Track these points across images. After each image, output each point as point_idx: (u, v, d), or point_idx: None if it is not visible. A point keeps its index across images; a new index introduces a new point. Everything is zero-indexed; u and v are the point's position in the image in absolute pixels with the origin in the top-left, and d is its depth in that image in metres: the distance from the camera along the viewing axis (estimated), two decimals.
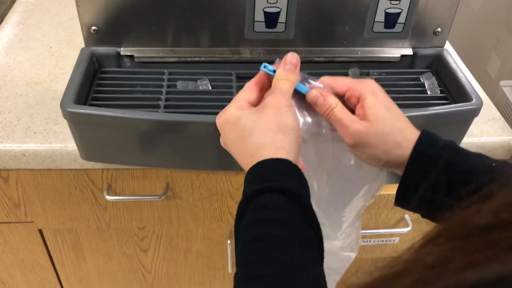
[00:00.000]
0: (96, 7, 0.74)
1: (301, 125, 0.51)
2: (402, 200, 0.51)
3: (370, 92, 0.51)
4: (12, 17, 1.05)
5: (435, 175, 0.47)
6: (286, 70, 0.51)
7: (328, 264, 0.49)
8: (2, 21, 1.05)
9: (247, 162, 0.48)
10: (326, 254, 0.46)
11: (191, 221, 0.92)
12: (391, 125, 0.49)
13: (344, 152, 0.52)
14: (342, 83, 0.53)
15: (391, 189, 0.80)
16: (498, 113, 0.87)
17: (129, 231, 0.95)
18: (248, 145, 0.48)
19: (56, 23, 1.04)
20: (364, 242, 0.88)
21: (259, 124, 0.48)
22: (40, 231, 0.93)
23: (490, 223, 0.25)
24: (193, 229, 0.95)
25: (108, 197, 0.83)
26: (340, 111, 0.50)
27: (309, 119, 0.52)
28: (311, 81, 0.53)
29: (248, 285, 0.39)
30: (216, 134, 0.71)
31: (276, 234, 0.42)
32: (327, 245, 0.46)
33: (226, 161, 0.76)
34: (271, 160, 0.45)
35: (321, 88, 0.52)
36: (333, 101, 0.51)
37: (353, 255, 0.60)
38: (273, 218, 0.42)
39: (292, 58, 0.52)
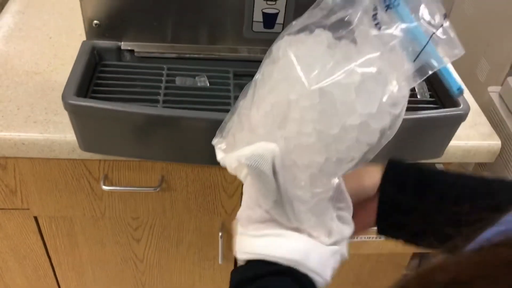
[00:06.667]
0: (98, 2, 0.75)
1: None
2: (383, 228, 0.50)
3: None
4: (12, 6, 1.06)
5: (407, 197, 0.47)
6: None
7: None
8: (2, 9, 1.06)
9: None
10: None
11: (184, 213, 0.94)
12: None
13: None
14: None
15: None
16: (484, 117, 0.90)
17: (123, 221, 0.97)
18: None
19: (56, 13, 1.06)
20: (350, 238, 0.91)
21: None
22: (36, 218, 0.95)
23: (449, 281, 0.24)
24: (186, 220, 0.97)
25: (105, 187, 0.85)
26: None
27: None
28: None
29: None
30: (211, 129, 0.74)
31: None
32: None
33: None
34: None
35: None
36: None
37: None
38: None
39: None
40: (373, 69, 0.40)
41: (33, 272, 1.08)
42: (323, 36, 0.44)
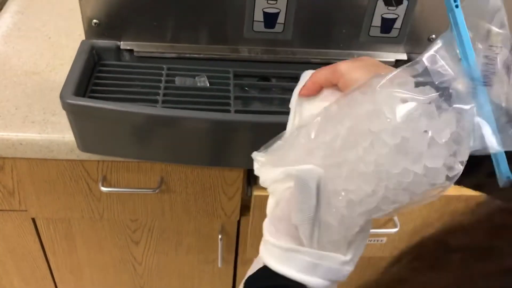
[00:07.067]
0: (97, 1, 0.74)
1: None
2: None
3: None
4: (12, 6, 1.06)
5: None
6: None
7: None
8: (1, 9, 1.05)
9: None
10: None
11: (183, 215, 0.93)
12: None
13: None
14: None
15: None
16: None
17: (121, 223, 0.96)
18: None
19: (55, 14, 1.05)
20: None
21: None
22: (33, 220, 0.94)
23: (438, 247, 0.25)
24: (185, 223, 0.96)
25: (103, 189, 0.84)
26: None
27: None
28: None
29: None
30: (211, 130, 0.73)
31: None
32: None
33: (220, 157, 0.78)
34: None
35: None
36: None
37: None
38: None
39: None
40: (447, 134, 0.43)
41: (30, 275, 1.06)
42: (425, 93, 0.47)
